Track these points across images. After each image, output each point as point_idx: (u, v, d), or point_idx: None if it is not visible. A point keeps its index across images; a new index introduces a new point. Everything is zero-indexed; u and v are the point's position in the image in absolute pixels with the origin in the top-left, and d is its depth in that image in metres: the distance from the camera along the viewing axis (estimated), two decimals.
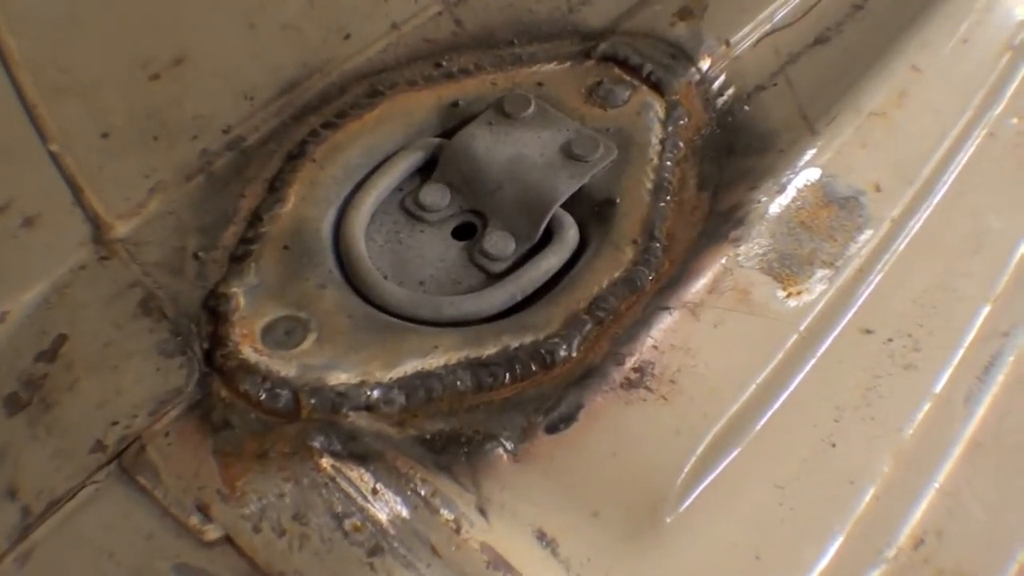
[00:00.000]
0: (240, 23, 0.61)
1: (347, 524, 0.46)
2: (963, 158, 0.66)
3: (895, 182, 0.60)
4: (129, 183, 0.60)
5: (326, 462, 0.48)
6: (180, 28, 0.58)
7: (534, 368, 0.51)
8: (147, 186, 0.61)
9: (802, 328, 0.52)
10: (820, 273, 0.54)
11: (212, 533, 0.47)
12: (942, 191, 0.63)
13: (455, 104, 0.64)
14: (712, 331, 0.51)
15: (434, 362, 0.51)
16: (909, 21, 0.75)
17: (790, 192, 0.58)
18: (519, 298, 0.55)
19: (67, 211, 0.58)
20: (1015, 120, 0.72)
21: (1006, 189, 0.66)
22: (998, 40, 0.76)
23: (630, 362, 0.50)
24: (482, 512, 0.46)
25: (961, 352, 0.55)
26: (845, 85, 0.67)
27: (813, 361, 0.52)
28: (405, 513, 0.46)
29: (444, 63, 0.67)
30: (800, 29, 0.72)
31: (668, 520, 0.46)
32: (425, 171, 0.62)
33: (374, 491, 0.47)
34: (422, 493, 0.46)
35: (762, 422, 0.49)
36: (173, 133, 0.61)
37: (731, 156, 0.62)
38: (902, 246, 0.58)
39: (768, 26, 0.71)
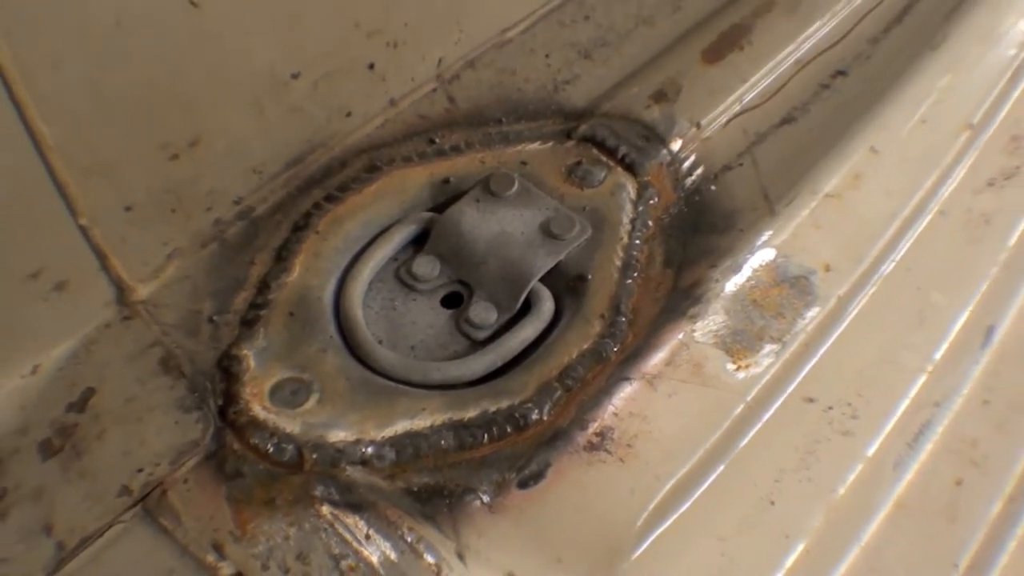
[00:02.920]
0: (250, 108, 0.73)
1: (343, 565, 0.57)
2: (912, 236, 0.78)
3: (844, 262, 0.72)
4: (149, 251, 0.72)
5: (326, 509, 0.59)
6: (196, 113, 0.70)
7: (509, 430, 0.62)
8: (165, 253, 0.73)
9: (749, 398, 0.64)
10: (768, 348, 0.66)
11: (226, 570, 0.58)
12: (889, 268, 0.75)
13: (446, 181, 0.76)
14: (667, 400, 0.63)
15: (421, 423, 0.63)
16: (873, 101, 0.88)
17: (746, 272, 0.70)
18: (499, 364, 0.67)
19: (93, 276, 0.70)
20: (967, 197, 0.84)
21: (952, 265, 0.78)
22: (957, 119, 0.89)
23: (593, 427, 0.61)
24: (461, 557, 0.57)
25: (895, 420, 0.66)
26: (806, 166, 0.79)
27: (758, 427, 0.63)
28: (394, 557, 0.57)
29: (437, 140, 0.79)
30: (768, 110, 0.85)
31: (623, 566, 0.57)
32: (418, 243, 0.74)
33: (367, 536, 0.58)
34: (408, 540, 0.57)
35: (708, 482, 0.60)
36: (189, 206, 0.73)
37: (695, 234, 0.74)
38: (847, 322, 0.70)
39: (738, 107, 0.83)
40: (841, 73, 0.90)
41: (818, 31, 0.94)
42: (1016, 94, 0.95)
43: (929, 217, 0.80)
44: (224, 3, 0.67)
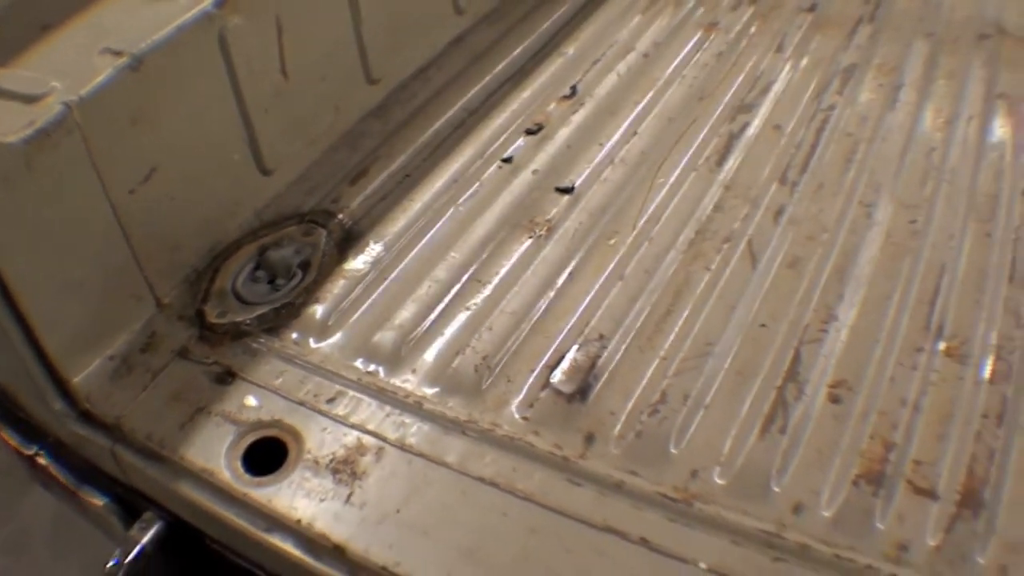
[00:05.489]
0: (200, 231, 2.24)
1: (255, 351, 2.06)
2: (440, 221, 2.33)
3: (394, 239, 2.27)
4: (167, 284, 2.19)
5: (243, 339, 2.07)
6: (182, 238, 2.21)
7: (292, 308, 2.13)
8: (172, 284, 2.20)
9: (376, 255, 2.16)
10: (376, 250, 2.19)
11: (211, 360, 2.04)
12: (419, 227, 2.29)
13: (263, 245, 2.27)
14: (348, 265, 2.15)
15: (266, 310, 2.12)
16: (413, 189, 2.45)
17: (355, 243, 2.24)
18: (289, 291, 2.18)
19: (148, 294, 2.12)
20: (484, 171, 2.40)
21: (488, 207, 2.33)
22: (480, 152, 2.47)
23: (317, 295, 2.13)
24: (297, 335, 2.06)
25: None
26: (384, 206, 2.35)
27: (398, 263, 2.16)
28: (270, 342, 2.06)
29: (259, 232, 2.32)
30: (378, 195, 2.40)
31: (348, 298, 2.07)
32: (256, 268, 2.25)
33: (260, 344, 2.05)
34: (271, 340, 2.06)
35: (377, 276, 2.12)
36: (177, 269, 2.21)
37: (347, 243, 2.28)
38: (406, 259, 2.24)
39: (356, 196, 2.39)
40: (407, 175, 2.48)
41: (399, 159, 2.52)
42: (501, 121, 2.55)
43: (468, 190, 2.35)
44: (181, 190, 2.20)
